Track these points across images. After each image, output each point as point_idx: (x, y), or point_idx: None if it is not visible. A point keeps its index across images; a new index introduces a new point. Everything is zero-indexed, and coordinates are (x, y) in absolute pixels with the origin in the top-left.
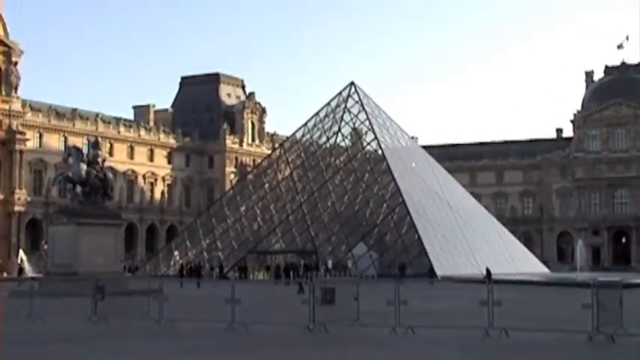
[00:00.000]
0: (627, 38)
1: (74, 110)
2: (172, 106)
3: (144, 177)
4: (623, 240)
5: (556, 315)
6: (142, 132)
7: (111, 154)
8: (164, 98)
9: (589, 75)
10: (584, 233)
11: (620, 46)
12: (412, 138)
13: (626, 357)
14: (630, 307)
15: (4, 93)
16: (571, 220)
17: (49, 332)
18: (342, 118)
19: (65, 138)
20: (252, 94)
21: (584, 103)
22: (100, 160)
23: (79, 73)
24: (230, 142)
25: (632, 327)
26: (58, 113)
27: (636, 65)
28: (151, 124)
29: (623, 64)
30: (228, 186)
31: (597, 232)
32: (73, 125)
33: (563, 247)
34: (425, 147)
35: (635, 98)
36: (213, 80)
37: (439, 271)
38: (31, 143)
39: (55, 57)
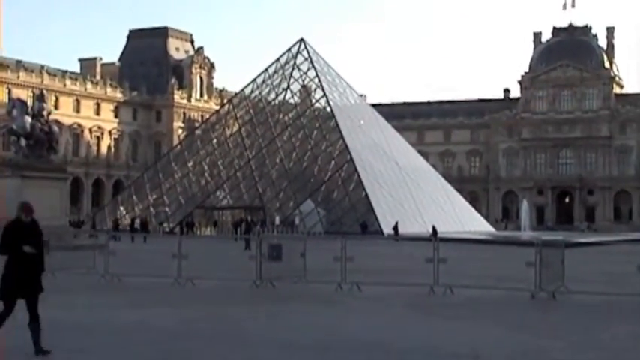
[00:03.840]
0: (573, 1)
1: (19, 62)
2: (120, 59)
3: (90, 131)
4: (567, 200)
5: (500, 273)
6: (89, 85)
7: (56, 107)
8: (111, 51)
9: (537, 36)
10: (529, 193)
11: (564, 7)
12: (361, 96)
13: (567, 313)
14: (572, 266)
15: None
16: (517, 180)
17: None
18: (291, 75)
19: (9, 90)
20: (200, 48)
21: (532, 64)
22: (45, 113)
23: (24, 24)
24: (178, 96)
25: (574, 285)
26: (2, 65)
27: (583, 27)
28: (98, 77)
29: (571, 25)
30: (176, 141)
31: (542, 192)
32: (18, 77)
33: (509, 207)
34: (374, 105)
35: (582, 60)
36: (161, 34)
37: (385, 229)
38: None
39: None
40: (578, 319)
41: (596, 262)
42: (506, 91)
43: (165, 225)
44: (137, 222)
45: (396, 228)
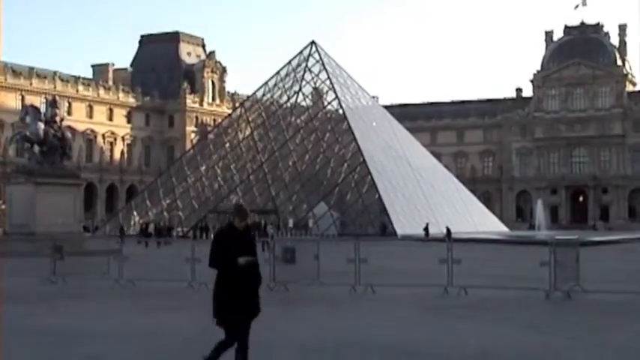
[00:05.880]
0: (585, 0)
1: (31, 69)
2: (132, 65)
3: (103, 136)
4: (581, 199)
5: (515, 273)
6: (101, 91)
7: (69, 113)
8: (123, 57)
9: (549, 35)
10: (542, 192)
11: (576, 7)
12: (373, 97)
13: (582, 313)
14: (587, 265)
15: None
16: (530, 180)
17: (6, 292)
18: (302, 78)
19: (22, 97)
20: (212, 53)
21: (544, 63)
22: (58, 119)
23: (37, 31)
24: (190, 101)
25: (588, 284)
26: (15, 71)
27: (595, 25)
28: (110, 83)
29: (583, 24)
30: (188, 145)
31: (556, 191)
32: (30, 84)
33: (522, 206)
34: (386, 107)
35: (594, 58)
36: (173, 39)
37: (399, 230)
38: None
39: (11, 14)
40: (594, 318)
41: (611, 260)
42: (519, 90)
43: (178, 229)
44: (151, 227)
45: (426, 229)
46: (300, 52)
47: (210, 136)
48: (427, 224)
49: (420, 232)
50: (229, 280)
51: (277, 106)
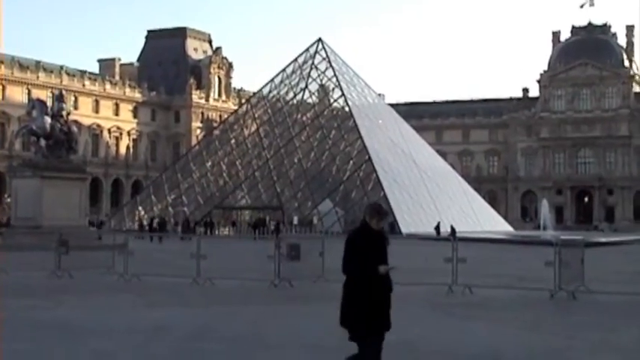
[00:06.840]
0: (592, 1)
1: (38, 62)
2: (138, 60)
3: (109, 131)
4: (586, 199)
5: (519, 272)
6: (108, 86)
7: (76, 107)
8: (130, 52)
9: (556, 35)
10: (547, 192)
11: (582, 6)
12: (379, 95)
13: (586, 313)
14: (591, 265)
15: None
16: (535, 180)
17: (11, 286)
18: (309, 75)
19: (29, 90)
20: (219, 48)
21: (551, 63)
22: (64, 113)
23: (43, 25)
24: (196, 97)
25: (593, 284)
26: (22, 65)
27: (603, 26)
28: (117, 77)
29: (590, 24)
30: (194, 141)
31: (561, 192)
32: (37, 77)
33: (528, 206)
34: (392, 105)
35: (601, 59)
36: (179, 34)
37: (404, 229)
38: None
39: (18, 8)
40: (598, 319)
41: (617, 261)
42: (525, 90)
43: (187, 224)
44: (155, 221)
45: (437, 228)
46: (307, 50)
47: (216, 132)
48: (438, 223)
49: (425, 230)
50: (366, 288)
51: (283, 102)
